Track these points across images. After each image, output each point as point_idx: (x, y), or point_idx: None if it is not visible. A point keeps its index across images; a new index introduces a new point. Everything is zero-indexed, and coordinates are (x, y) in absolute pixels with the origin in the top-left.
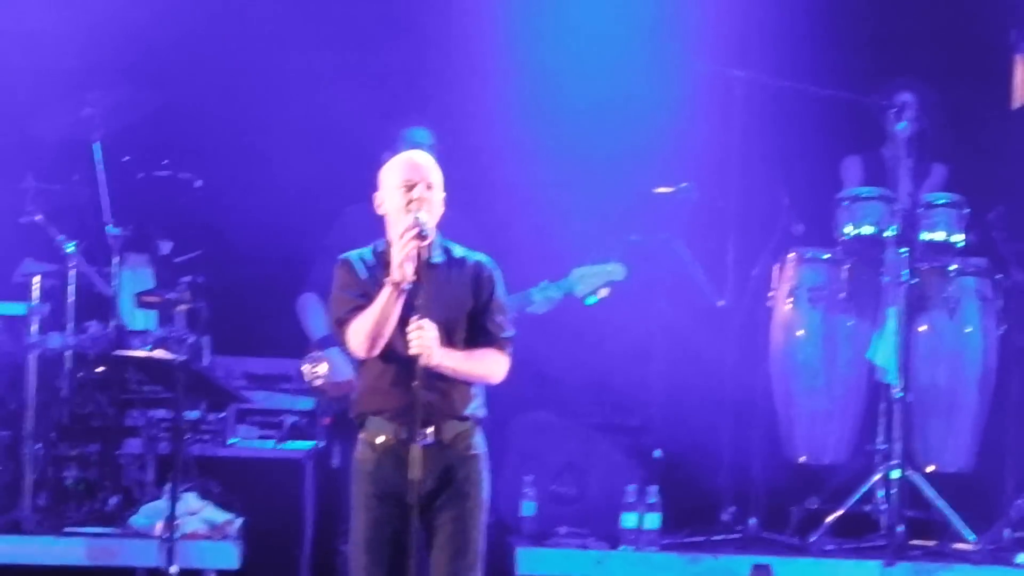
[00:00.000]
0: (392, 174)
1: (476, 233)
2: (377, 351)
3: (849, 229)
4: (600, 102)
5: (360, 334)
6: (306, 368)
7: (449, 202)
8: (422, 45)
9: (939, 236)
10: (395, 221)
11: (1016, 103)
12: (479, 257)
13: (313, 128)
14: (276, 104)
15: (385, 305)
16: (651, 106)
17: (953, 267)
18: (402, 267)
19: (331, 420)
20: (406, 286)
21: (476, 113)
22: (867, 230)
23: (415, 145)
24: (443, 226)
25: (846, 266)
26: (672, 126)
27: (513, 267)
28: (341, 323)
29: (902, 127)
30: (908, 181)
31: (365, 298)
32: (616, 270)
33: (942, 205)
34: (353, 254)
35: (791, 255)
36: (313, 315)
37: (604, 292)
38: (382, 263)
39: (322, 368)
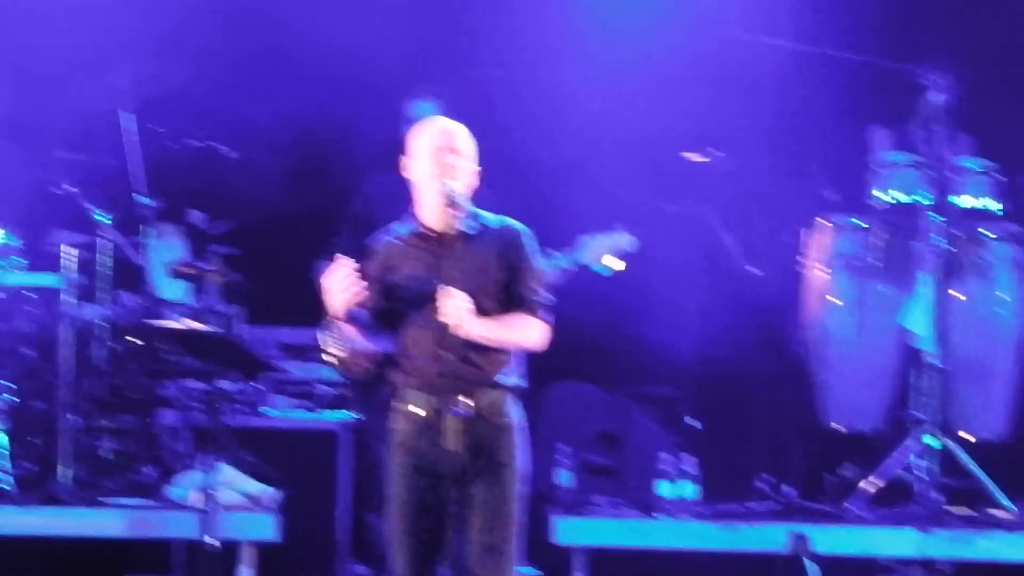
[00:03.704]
0: (422, 140)
1: (499, 207)
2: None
3: (881, 195)
4: (631, 70)
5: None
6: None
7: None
8: (450, 11)
9: (974, 202)
10: (423, 187)
11: None
12: (511, 223)
13: (346, 99)
14: (309, 75)
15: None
16: (682, 74)
17: (987, 233)
18: (339, 305)
19: (363, 390)
20: (341, 319)
21: (503, 81)
22: (900, 196)
23: (422, 119)
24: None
25: (879, 232)
26: (703, 94)
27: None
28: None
29: (935, 95)
30: (941, 148)
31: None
32: (623, 239)
33: (976, 171)
34: (380, 236)
35: (824, 222)
36: None
37: (614, 261)
38: (411, 230)
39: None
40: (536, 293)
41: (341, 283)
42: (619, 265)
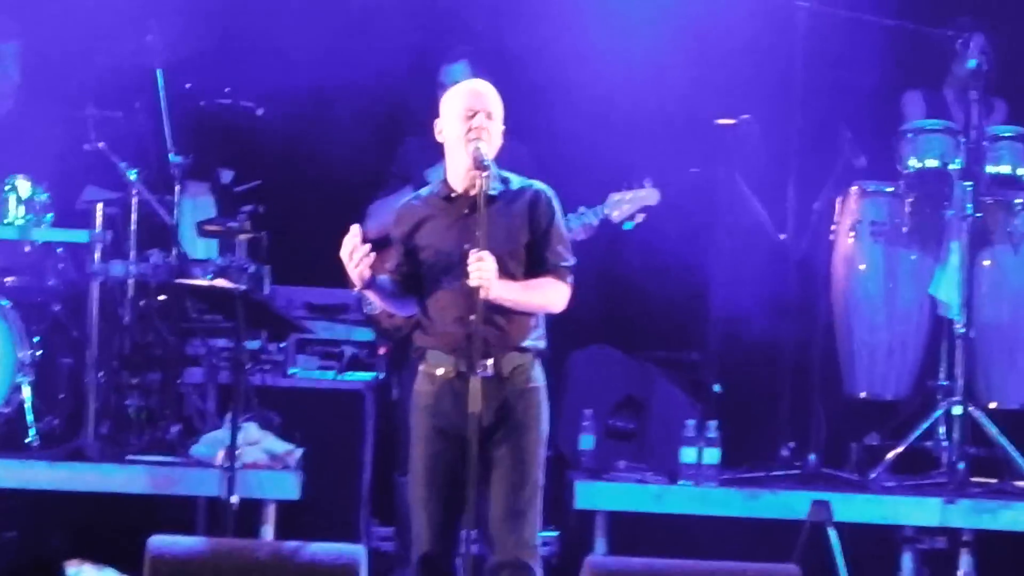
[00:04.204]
0: (453, 102)
1: (531, 161)
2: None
3: (913, 162)
4: (660, 32)
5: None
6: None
7: (508, 129)
8: None
9: (1005, 169)
10: (454, 149)
11: None
12: (537, 185)
13: (375, 57)
14: (338, 32)
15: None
16: (712, 36)
17: (1019, 201)
18: (356, 275)
19: (389, 350)
20: (363, 288)
21: (533, 39)
22: (931, 163)
23: (454, 82)
24: (499, 155)
25: (909, 199)
26: (733, 57)
27: (569, 195)
28: None
29: (969, 61)
30: (974, 114)
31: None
32: (650, 194)
33: (1008, 138)
34: (406, 200)
35: (853, 188)
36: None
37: (640, 217)
38: (437, 193)
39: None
40: (561, 256)
41: (350, 253)
42: (641, 219)
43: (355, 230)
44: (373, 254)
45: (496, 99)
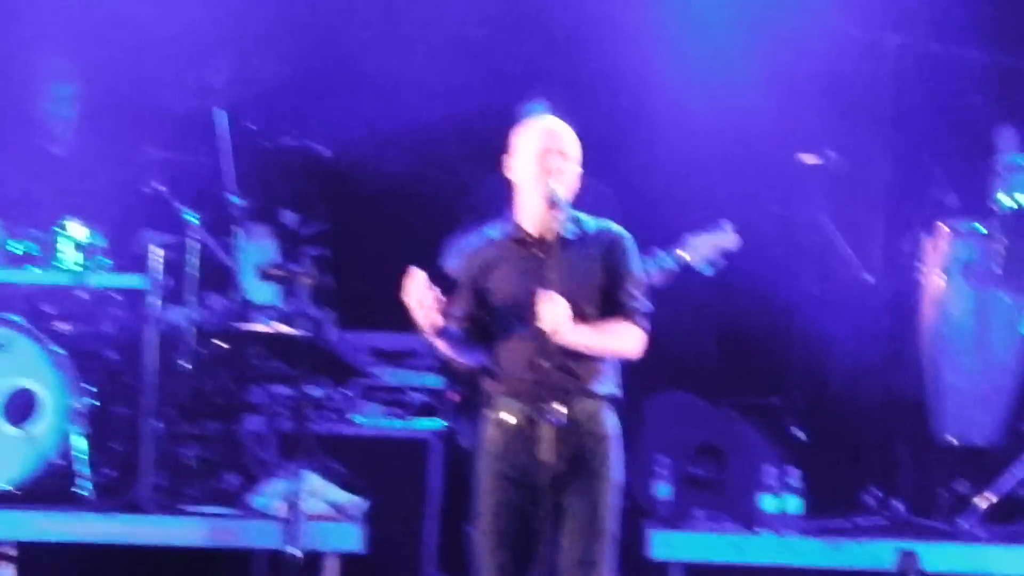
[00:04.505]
0: (527, 140)
1: (613, 203)
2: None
3: (1005, 200)
4: (743, 67)
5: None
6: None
7: (587, 167)
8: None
9: None
10: (526, 189)
11: None
12: (612, 227)
13: (448, 95)
14: (407, 73)
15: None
16: (797, 72)
17: None
18: (427, 322)
19: (460, 397)
20: (435, 335)
21: (613, 76)
22: None
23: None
24: (581, 196)
25: (1002, 239)
26: (820, 92)
27: (648, 234)
28: None
29: None
30: None
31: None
32: (729, 238)
33: None
34: (473, 241)
35: (943, 228)
36: None
37: (719, 261)
38: (508, 234)
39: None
40: (636, 300)
41: (418, 299)
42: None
43: (419, 274)
44: (443, 298)
45: (572, 139)
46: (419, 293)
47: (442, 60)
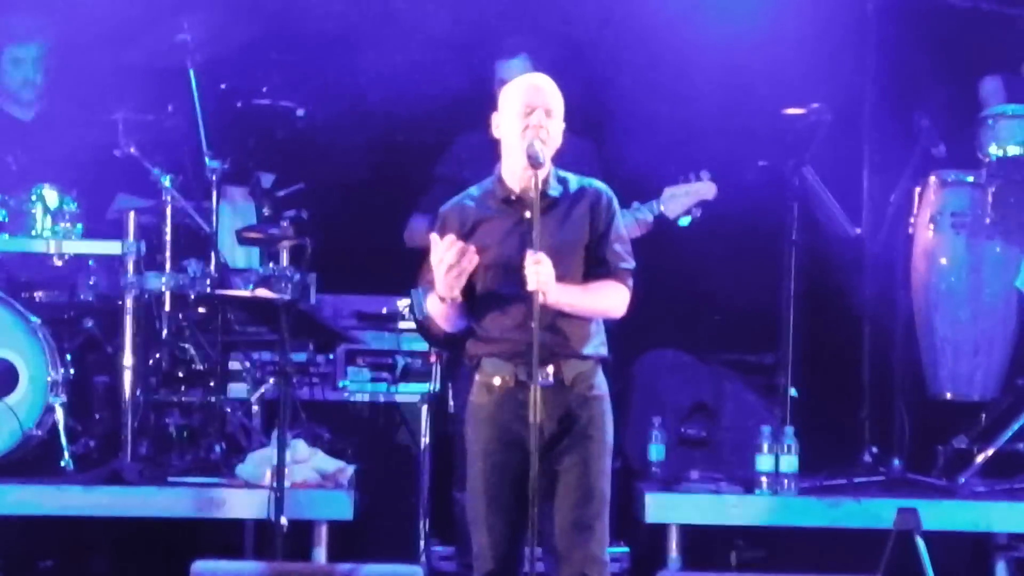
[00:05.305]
0: (512, 97)
1: (595, 158)
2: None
3: (994, 149)
4: (727, 20)
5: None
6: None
7: (568, 126)
8: None
9: None
10: (510, 146)
11: None
12: (597, 185)
13: (420, 55)
14: (381, 30)
15: (436, 307)
16: (781, 23)
17: None
18: (449, 287)
19: (443, 360)
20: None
21: (593, 31)
22: (1013, 150)
23: (512, 78)
24: (562, 151)
25: (991, 189)
26: (803, 43)
27: (633, 190)
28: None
29: None
30: None
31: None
32: (707, 188)
33: None
34: (455, 201)
35: (932, 179)
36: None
37: (697, 212)
38: (492, 193)
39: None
40: (621, 259)
41: (450, 262)
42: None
43: (449, 238)
44: (476, 258)
45: (556, 95)
46: (449, 258)
47: (420, 12)
